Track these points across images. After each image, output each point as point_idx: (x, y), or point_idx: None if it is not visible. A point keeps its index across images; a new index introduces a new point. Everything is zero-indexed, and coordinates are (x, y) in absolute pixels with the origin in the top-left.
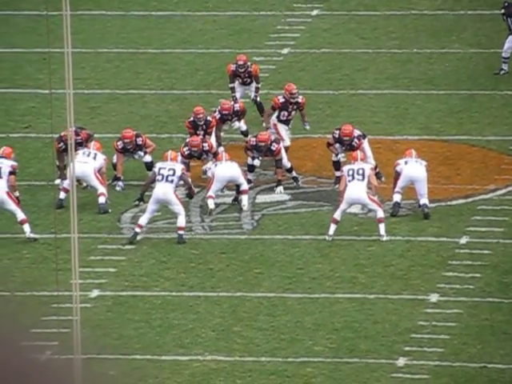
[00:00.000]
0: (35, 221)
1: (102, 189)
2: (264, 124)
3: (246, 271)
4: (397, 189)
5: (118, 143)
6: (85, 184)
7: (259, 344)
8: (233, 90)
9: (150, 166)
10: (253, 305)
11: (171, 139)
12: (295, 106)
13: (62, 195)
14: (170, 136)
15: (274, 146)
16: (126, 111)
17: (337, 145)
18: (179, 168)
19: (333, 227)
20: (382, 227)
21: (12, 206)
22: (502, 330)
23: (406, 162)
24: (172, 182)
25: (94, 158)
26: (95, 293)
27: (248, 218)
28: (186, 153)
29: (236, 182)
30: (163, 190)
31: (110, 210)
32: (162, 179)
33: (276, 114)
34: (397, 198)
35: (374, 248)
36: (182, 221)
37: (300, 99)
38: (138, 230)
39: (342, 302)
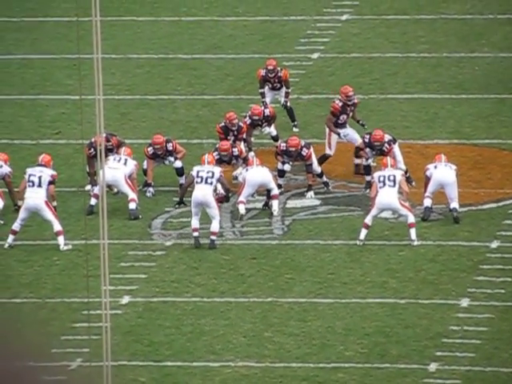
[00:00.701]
0: (66, 227)
1: (132, 195)
2: (331, 131)
3: (277, 276)
4: (427, 193)
5: (149, 149)
6: (116, 190)
7: (290, 350)
8: (263, 95)
9: (180, 172)
10: (284, 310)
11: (202, 144)
12: (353, 107)
13: (93, 201)
14: (201, 141)
15: (305, 151)
16: (157, 117)
17: (367, 149)
18: (217, 171)
19: (364, 232)
20: (412, 232)
21: (50, 215)
22: None
23: (435, 167)
24: (211, 184)
25: (125, 163)
26: (126, 299)
27: (279, 223)
28: (216, 158)
29: (267, 187)
30: (202, 192)
31: (140, 216)
32: (201, 181)
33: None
34: (427, 202)
35: (405, 252)
36: (215, 226)
37: (356, 100)
38: (196, 233)
39: (373, 307)
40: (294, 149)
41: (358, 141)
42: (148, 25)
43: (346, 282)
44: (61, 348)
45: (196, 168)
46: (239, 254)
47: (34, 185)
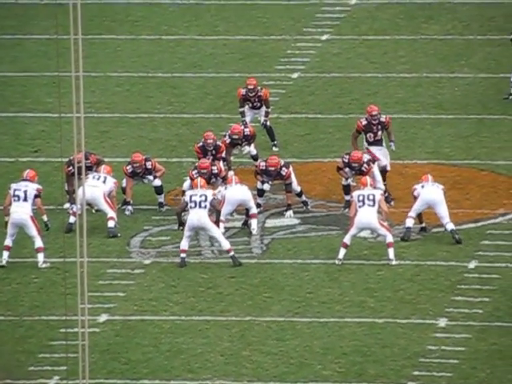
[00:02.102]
0: (44, 245)
1: (111, 213)
2: (352, 147)
3: (256, 295)
4: (411, 213)
5: (128, 167)
6: (95, 208)
7: (268, 368)
8: (243, 114)
9: (159, 190)
10: (262, 329)
11: (181, 163)
12: (379, 126)
13: (72, 219)
14: (180, 160)
15: (284, 171)
16: (136, 135)
17: (346, 169)
18: (210, 193)
19: (343, 251)
20: (391, 252)
21: (33, 231)
22: (510, 355)
23: (422, 186)
24: (205, 207)
25: (104, 181)
26: (104, 317)
27: (257, 242)
28: (195, 176)
29: (246, 206)
30: (197, 216)
31: (119, 234)
32: (195, 206)
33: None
34: (409, 223)
35: (384, 272)
36: (225, 244)
37: (383, 118)
38: (183, 255)
39: (351, 326)
40: (273, 168)
41: (382, 163)
42: (128, 43)
43: (325, 301)
44: (38, 366)
45: (189, 193)
46: (218, 272)
47: (19, 199)
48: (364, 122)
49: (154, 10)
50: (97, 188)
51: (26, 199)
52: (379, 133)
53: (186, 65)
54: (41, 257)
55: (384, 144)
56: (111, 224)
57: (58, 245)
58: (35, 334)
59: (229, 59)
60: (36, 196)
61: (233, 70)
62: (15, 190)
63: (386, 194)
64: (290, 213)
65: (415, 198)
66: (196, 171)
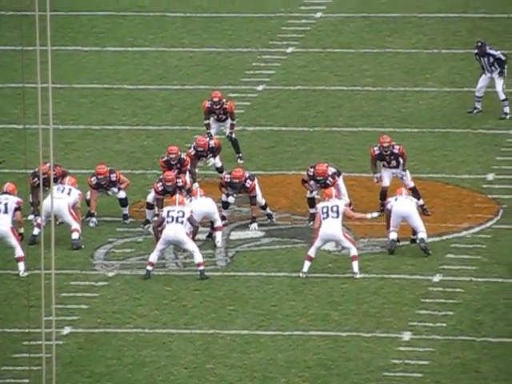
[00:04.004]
0: (7, 256)
1: (75, 225)
2: (372, 170)
3: (220, 308)
4: (391, 228)
5: (92, 179)
6: (59, 220)
7: (232, 382)
8: (208, 126)
9: (124, 203)
10: (226, 342)
11: (146, 175)
12: (392, 157)
13: (36, 231)
14: (145, 172)
15: (249, 183)
16: (101, 147)
17: (311, 182)
18: (188, 210)
19: (307, 264)
20: (355, 265)
21: (13, 241)
22: (473, 369)
23: (395, 199)
24: (182, 223)
25: (69, 193)
26: (67, 330)
27: (222, 254)
28: (160, 188)
29: (211, 218)
30: (174, 231)
31: (83, 246)
32: (172, 221)
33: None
34: (393, 235)
35: (348, 285)
36: (198, 256)
37: (396, 150)
38: (149, 267)
39: (314, 340)
40: (237, 180)
41: (384, 184)
42: (93, 55)
43: (289, 315)
44: (1, 379)
45: (166, 208)
46: (182, 285)
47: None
48: (377, 152)
49: (119, 21)
50: (61, 200)
51: (6, 211)
52: (393, 161)
53: (151, 77)
54: (21, 266)
55: (400, 167)
56: (75, 236)
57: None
58: None
59: (194, 71)
60: (16, 209)
61: (198, 82)
62: None
63: (352, 208)
64: (254, 225)
65: (388, 210)
66: (161, 183)
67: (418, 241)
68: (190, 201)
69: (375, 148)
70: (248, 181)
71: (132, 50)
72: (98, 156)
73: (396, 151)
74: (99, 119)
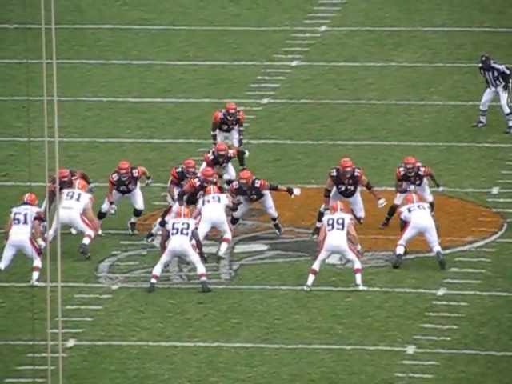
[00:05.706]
0: (12, 269)
1: (88, 231)
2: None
3: (224, 321)
4: (401, 241)
5: (114, 175)
6: (74, 231)
7: None
8: (214, 137)
9: (138, 214)
10: (230, 355)
11: (150, 188)
12: (417, 178)
13: (42, 244)
14: (150, 185)
15: (258, 183)
16: (105, 160)
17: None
18: (192, 222)
19: (311, 278)
20: (358, 277)
21: (32, 252)
22: (478, 383)
23: (409, 210)
24: (187, 234)
25: (78, 198)
26: (71, 342)
27: (226, 267)
28: (197, 183)
29: (219, 228)
30: (179, 242)
31: (88, 254)
32: (177, 232)
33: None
34: (400, 250)
35: (352, 299)
36: (201, 268)
37: (422, 172)
38: (153, 280)
39: (318, 353)
40: (245, 181)
41: (398, 202)
42: (98, 68)
43: (293, 328)
44: None
45: (171, 221)
46: (186, 298)
47: (19, 222)
48: (402, 172)
49: (124, 34)
50: (72, 210)
51: (25, 222)
52: (417, 181)
53: (156, 90)
54: (35, 275)
55: (426, 183)
56: (86, 241)
57: (25, 269)
58: (2, 359)
59: (198, 85)
60: (36, 218)
61: (202, 95)
62: (15, 214)
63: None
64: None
65: (402, 220)
66: (199, 181)
67: (434, 253)
68: (203, 203)
69: (400, 169)
70: (256, 180)
71: (137, 63)
72: (103, 169)
73: (422, 173)
74: (104, 132)
